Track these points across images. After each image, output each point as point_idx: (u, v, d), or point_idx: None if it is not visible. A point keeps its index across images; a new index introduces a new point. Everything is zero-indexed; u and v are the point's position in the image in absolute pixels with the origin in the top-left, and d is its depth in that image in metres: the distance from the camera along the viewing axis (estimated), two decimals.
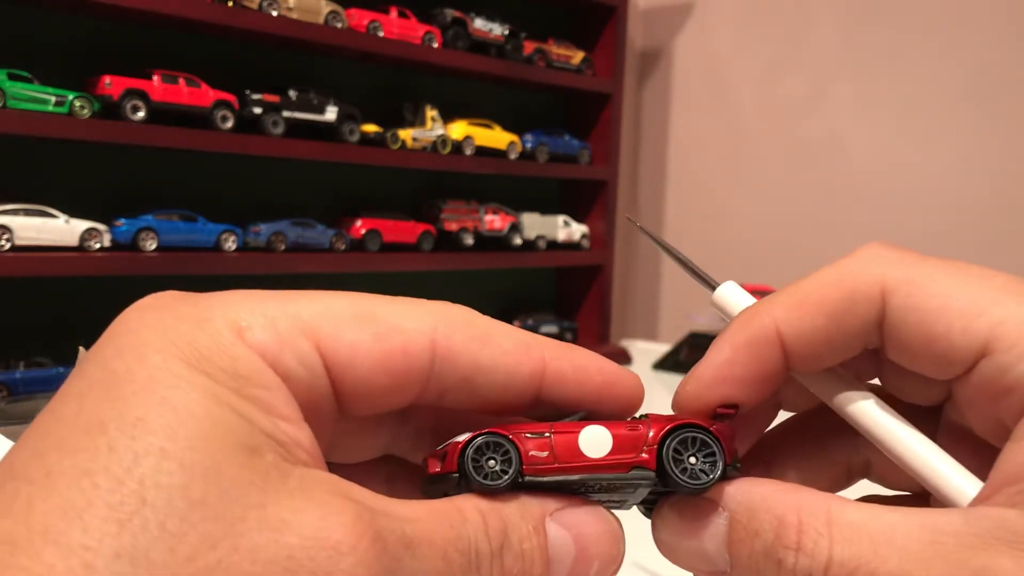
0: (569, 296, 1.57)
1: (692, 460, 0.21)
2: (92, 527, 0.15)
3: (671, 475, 0.20)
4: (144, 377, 0.16)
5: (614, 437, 0.20)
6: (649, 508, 0.23)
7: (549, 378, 0.21)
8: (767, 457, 0.25)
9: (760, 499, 0.20)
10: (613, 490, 0.21)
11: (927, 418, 0.23)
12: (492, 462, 0.20)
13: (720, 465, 0.21)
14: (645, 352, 1.49)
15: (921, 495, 0.23)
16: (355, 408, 0.20)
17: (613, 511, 0.22)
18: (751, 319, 0.22)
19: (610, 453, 0.20)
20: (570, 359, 0.22)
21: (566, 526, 0.20)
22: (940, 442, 0.21)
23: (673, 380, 1.29)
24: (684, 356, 1.31)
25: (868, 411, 0.21)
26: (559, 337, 1.44)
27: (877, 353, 0.22)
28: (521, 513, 0.20)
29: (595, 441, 0.20)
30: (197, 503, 0.15)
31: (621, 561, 0.21)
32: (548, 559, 0.20)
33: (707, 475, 0.20)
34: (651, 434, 0.21)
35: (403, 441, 0.24)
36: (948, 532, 0.17)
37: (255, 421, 0.17)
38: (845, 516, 0.18)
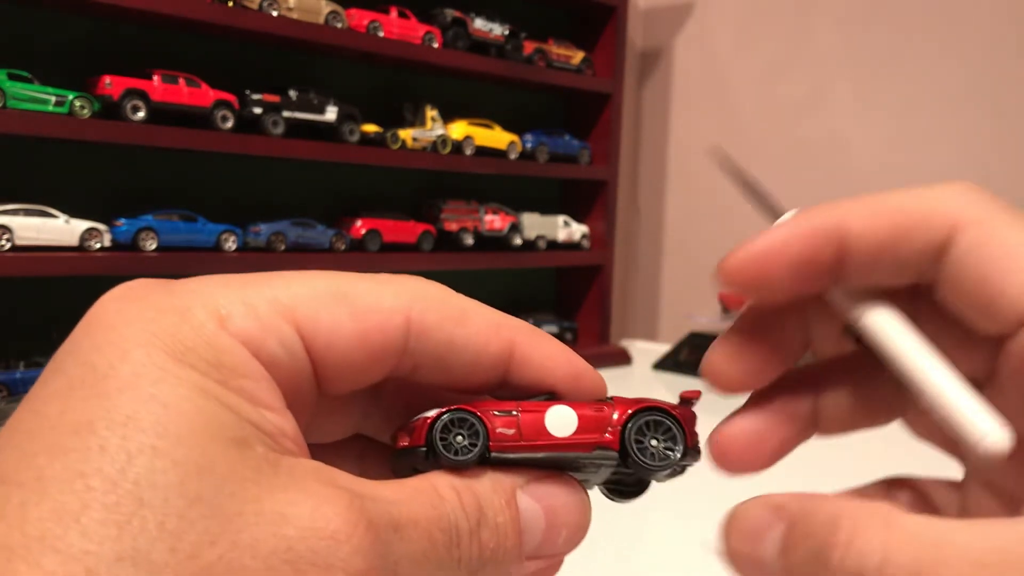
0: (569, 296, 1.57)
1: (653, 442, 0.21)
2: (91, 531, 0.14)
3: (633, 456, 0.21)
4: (128, 373, 0.16)
5: (579, 417, 0.21)
6: (611, 490, 0.24)
7: (517, 360, 0.22)
8: (811, 384, 0.24)
9: (816, 504, 0.19)
10: (576, 469, 0.22)
11: None
12: (460, 438, 0.20)
13: (681, 448, 0.21)
14: (645, 352, 1.49)
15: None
16: (331, 387, 0.20)
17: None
18: (818, 211, 0.21)
19: (575, 433, 0.21)
20: (540, 345, 0.22)
21: (536, 498, 0.21)
22: None
23: (673, 380, 1.29)
24: (684, 356, 1.31)
25: (893, 333, 0.21)
26: (559, 337, 1.44)
27: (921, 304, 0.21)
28: (493, 487, 0.20)
29: (561, 421, 0.21)
30: (194, 500, 0.15)
31: (587, 528, 0.22)
32: (520, 530, 0.20)
33: (668, 457, 0.21)
34: (615, 416, 0.21)
35: (374, 420, 0.24)
36: (1016, 539, 0.16)
37: (242, 413, 0.17)
38: (903, 521, 0.17)
